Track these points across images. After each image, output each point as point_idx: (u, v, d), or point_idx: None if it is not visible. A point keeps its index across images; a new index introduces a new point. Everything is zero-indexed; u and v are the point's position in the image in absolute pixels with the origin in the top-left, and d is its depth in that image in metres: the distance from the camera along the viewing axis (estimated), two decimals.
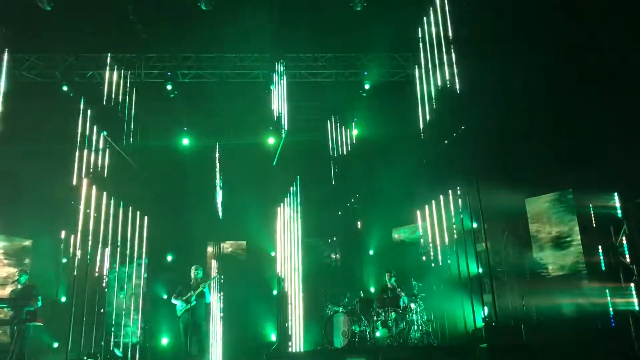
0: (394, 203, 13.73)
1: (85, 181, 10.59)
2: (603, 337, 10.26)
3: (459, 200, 11.36)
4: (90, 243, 10.33)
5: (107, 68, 12.14)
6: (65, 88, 12.63)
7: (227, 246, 13.55)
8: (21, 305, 9.32)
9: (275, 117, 12.36)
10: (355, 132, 14.15)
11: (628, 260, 10.77)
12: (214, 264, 12.07)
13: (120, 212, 11.45)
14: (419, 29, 11.97)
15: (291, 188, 11.76)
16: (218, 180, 13.61)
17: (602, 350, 9.31)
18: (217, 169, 13.71)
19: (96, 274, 10.58)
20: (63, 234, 11.43)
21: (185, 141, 14.35)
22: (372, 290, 13.29)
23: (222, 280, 11.14)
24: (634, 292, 10.52)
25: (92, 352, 10.07)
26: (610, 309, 10.59)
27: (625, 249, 10.82)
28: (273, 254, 13.81)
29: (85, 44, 12.25)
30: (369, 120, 14.12)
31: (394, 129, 13.42)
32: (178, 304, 10.31)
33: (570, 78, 10.81)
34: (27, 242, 12.70)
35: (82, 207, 10.32)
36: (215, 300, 11.44)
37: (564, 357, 8.70)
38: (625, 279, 10.68)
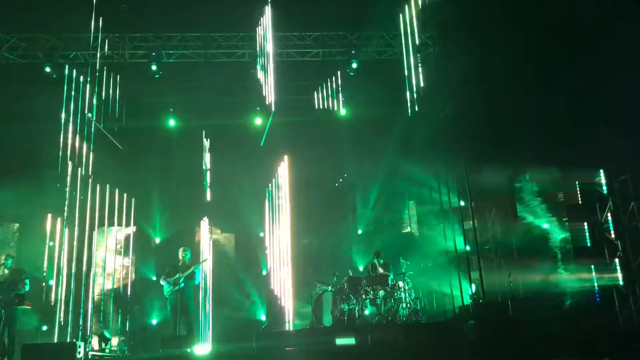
0: (383, 182, 13.76)
1: (70, 164, 10.47)
2: (588, 312, 10.41)
3: (447, 178, 11.40)
4: (76, 226, 10.25)
5: (90, 48, 11.93)
6: (48, 69, 12.43)
7: (215, 227, 13.51)
8: (9, 289, 9.28)
9: (262, 97, 12.24)
10: (343, 111, 14.09)
11: (613, 236, 10.90)
12: (202, 245, 12.05)
13: (107, 194, 11.35)
14: (406, 7, 11.88)
15: (279, 168, 11.72)
16: (206, 162, 13.51)
17: (587, 325, 9.46)
18: (205, 150, 13.61)
19: (84, 257, 10.50)
20: (49, 217, 11.33)
21: (172, 122, 14.22)
22: (361, 269, 13.36)
23: (205, 260, 11.15)
24: (618, 268, 10.67)
25: (82, 334, 10.05)
26: (595, 284, 10.73)
27: (610, 225, 10.94)
28: (262, 234, 13.82)
29: (68, 24, 12.03)
30: (357, 99, 14.04)
31: (383, 108, 13.39)
32: (164, 284, 10.30)
33: (558, 56, 10.81)
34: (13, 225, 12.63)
35: (67, 189, 10.24)
36: (203, 280, 11.44)
37: (551, 332, 8.81)
38: (610, 255, 10.82)
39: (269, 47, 11.38)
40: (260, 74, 12.08)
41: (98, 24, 11.40)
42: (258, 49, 12.31)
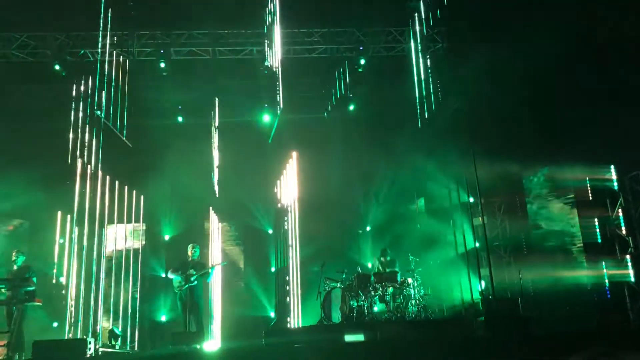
0: (392, 179, 13.72)
1: (79, 161, 10.51)
2: (599, 309, 10.35)
3: (456, 174, 11.37)
4: (86, 223, 10.29)
5: (99, 46, 11.96)
6: (57, 67, 12.49)
7: (224, 224, 13.54)
8: (18, 286, 9.32)
9: (270, 92, 12.22)
10: (351, 108, 14.07)
11: (624, 232, 10.83)
12: (212, 243, 12.07)
13: (116, 191, 11.39)
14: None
15: (287, 165, 11.71)
16: (214, 158, 13.53)
17: (598, 322, 9.40)
18: (213, 147, 13.63)
19: (94, 254, 10.55)
20: (59, 214, 11.40)
21: (180, 119, 14.25)
22: (369, 265, 13.34)
23: (225, 263, 11.31)
24: (629, 264, 10.61)
25: (92, 331, 10.10)
26: (606, 280, 10.67)
27: (621, 221, 10.87)
28: (270, 231, 13.85)
29: (76, 22, 12.08)
30: (365, 95, 14.00)
31: (392, 104, 13.35)
32: (174, 277, 10.25)
33: (566, 51, 10.72)
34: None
35: (77, 187, 10.29)
36: (214, 278, 11.47)
37: (560, 329, 8.77)
38: (621, 251, 10.76)
39: (277, 35, 11.29)
40: (269, 54, 11.90)
41: (106, 21, 11.44)
42: (266, 29, 12.21)
